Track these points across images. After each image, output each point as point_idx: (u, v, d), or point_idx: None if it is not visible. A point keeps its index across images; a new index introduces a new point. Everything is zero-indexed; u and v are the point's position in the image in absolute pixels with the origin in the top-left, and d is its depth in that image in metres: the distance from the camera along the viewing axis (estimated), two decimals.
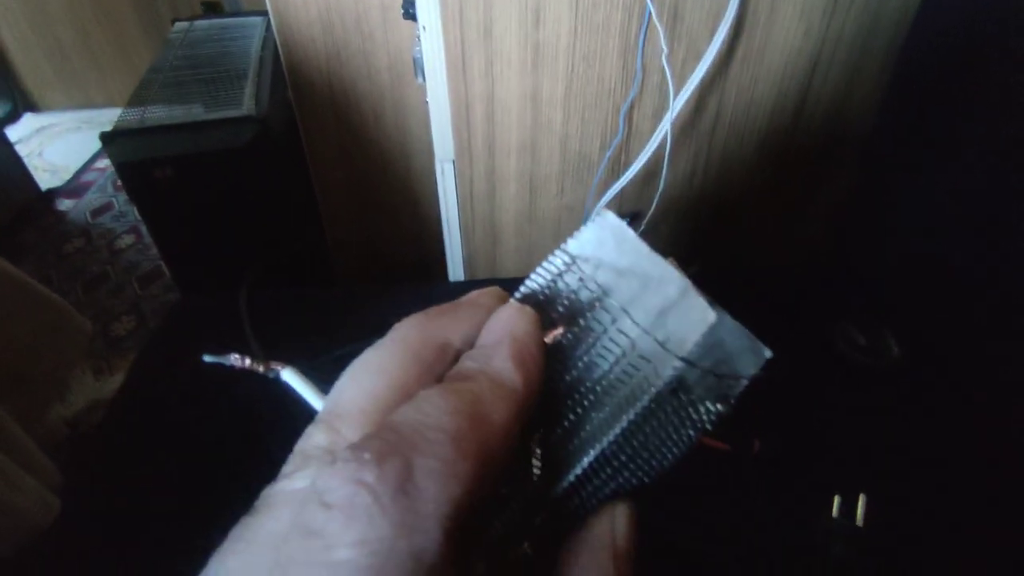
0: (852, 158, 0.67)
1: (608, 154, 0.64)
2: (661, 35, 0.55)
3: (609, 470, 0.17)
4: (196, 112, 1.02)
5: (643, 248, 0.18)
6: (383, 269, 1.11)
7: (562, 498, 0.17)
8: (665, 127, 0.57)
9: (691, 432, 0.18)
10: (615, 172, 0.66)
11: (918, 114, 0.63)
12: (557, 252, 0.19)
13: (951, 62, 0.59)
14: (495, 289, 0.20)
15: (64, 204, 1.92)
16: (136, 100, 1.06)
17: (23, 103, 2.35)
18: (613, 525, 0.17)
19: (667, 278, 0.18)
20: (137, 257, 1.70)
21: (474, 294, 0.20)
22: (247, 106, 1.01)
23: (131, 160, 0.93)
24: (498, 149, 0.64)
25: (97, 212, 1.88)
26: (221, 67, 1.16)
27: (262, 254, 1.00)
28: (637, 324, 0.18)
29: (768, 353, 0.18)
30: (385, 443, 0.13)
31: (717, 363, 0.18)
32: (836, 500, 0.49)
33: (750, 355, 0.18)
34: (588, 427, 0.17)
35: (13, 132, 2.16)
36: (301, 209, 1.05)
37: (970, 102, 0.57)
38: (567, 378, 0.18)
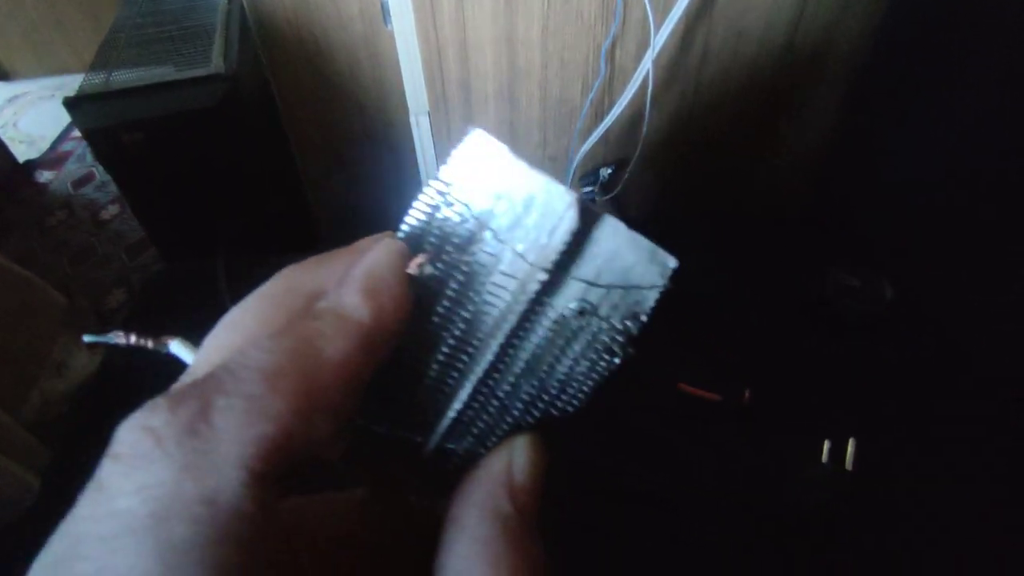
0: (844, 92, 0.64)
1: (590, 97, 0.61)
2: None
3: (496, 403, 0.16)
4: (164, 72, 0.98)
5: (521, 165, 0.16)
6: (365, 227, 1.08)
7: (448, 440, 0.17)
8: (647, 66, 0.54)
9: (604, 356, 0.16)
10: (599, 116, 0.63)
11: (912, 51, 0.60)
12: (431, 182, 0.17)
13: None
14: (387, 235, 0.18)
15: (44, 176, 1.87)
16: (100, 63, 1.01)
17: None
18: (511, 458, 0.16)
19: (548, 195, 0.16)
20: (123, 227, 1.67)
21: (362, 241, 0.18)
22: (215, 63, 0.96)
23: (98, 126, 0.89)
24: (474, 97, 0.60)
25: (79, 183, 1.84)
26: (187, 22, 1.10)
27: (242, 216, 0.98)
28: (502, 242, 0.16)
29: (673, 263, 0.17)
30: (189, 387, 0.12)
31: (617, 278, 0.17)
32: (826, 446, 0.49)
33: (654, 266, 0.17)
34: (464, 361, 0.16)
35: None
36: (279, 169, 1.01)
37: (964, 41, 0.54)
38: (440, 311, 0.17)
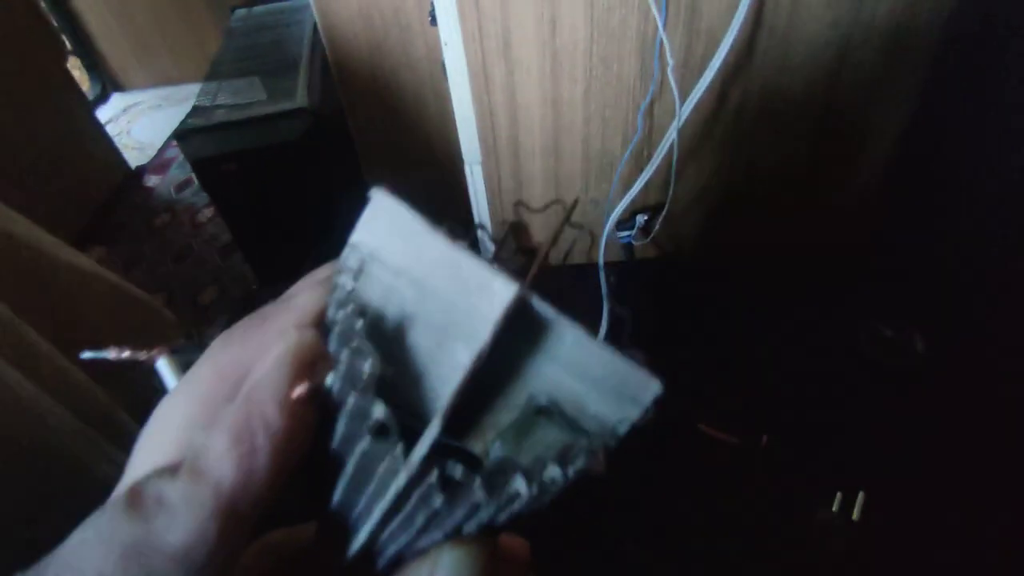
0: (888, 144, 0.65)
1: (628, 152, 0.65)
2: (667, 48, 0.56)
3: (420, 518, 0.15)
4: (257, 100, 1.10)
5: (429, 234, 0.14)
6: None
7: (372, 546, 0.16)
8: (672, 136, 0.58)
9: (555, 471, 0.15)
10: (639, 166, 0.67)
11: (961, 104, 0.60)
12: (347, 247, 0.15)
13: (995, 48, 0.56)
14: (330, 267, 0.17)
15: (151, 180, 2.09)
16: (204, 95, 1.15)
17: (110, 84, 2.54)
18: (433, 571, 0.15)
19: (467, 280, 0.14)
20: (216, 230, 1.85)
21: (299, 285, 0.18)
22: (300, 97, 1.07)
23: (202, 157, 1.02)
24: (522, 151, 0.66)
25: (180, 187, 2.04)
26: (276, 56, 1.22)
27: (321, 239, 1.08)
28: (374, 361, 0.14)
29: (657, 387, 0.15)
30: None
31: (574, 407, 0.15)
32: (838, 496, 0.52)
33: (630, 394, 0.15)
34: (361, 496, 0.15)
35: (103, 113, 2.35)
36: (356, 198, 1.11)
37: (1014, 97, 0.55)
38: (342, 431, 0.15)
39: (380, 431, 0.14)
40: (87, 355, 0.22)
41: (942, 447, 0.54)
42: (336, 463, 0.15)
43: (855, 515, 0.50)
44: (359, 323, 0.14)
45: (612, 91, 0.62)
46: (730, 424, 0.58)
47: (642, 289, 0.69)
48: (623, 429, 0.15)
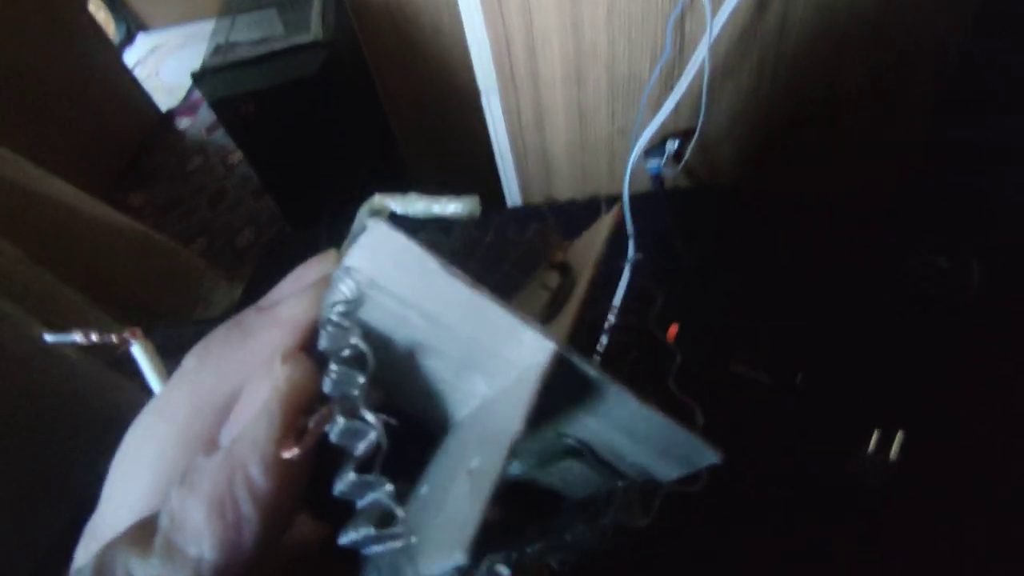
0: (945, 64, 0.58)
1: (656, 72, 0.60)
2: None
3: None
4: (272, 35, 1.07)
5: (444, 275, 0.12)
6: (456, 182, 1.13)
7: None
8: (703, 52, 0.53)
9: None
10: (669, 88, 0.62)
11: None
12: (341, 268, 0.14)
13: None
14: (320, 265, 0.15)
15: (183, 123, 2.10)
16: (219, 30, 1.12)
17: (135, 25, 2.51)
18: None
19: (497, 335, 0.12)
20: (247, 171, 1.86)
21: (284, 287, 0.16)
22: (315, 30, 1.03)
23: (221, 97, 1.00)
24: (542, 81, 0.62)
25: (210, 129, 2.05)
26: None
27: (346, 176, 1.07)
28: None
29: (713, 458, 0.14)
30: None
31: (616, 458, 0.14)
32: (875, 435, 0.50)
33: (682, 458, 0.14)
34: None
35: (130, 56, 2.34)
36: (376, 133, 1.08)
37: None
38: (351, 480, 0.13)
39: (384, 521, 0.12)
40: (50, 338, 0.20)
41: (991, 387, 0.51)
42: (341, 504, 0.14)
43: (892, 455, 0.48)
44: (355, 338, 0.13)
45: (638, 7, 0.56)
46: (765, 362, 0.56)
47: (672, 221, 0.66)
48: (667, 479, 0.15)
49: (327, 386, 0.13)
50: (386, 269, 0.13)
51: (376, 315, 0.13)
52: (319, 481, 0.14)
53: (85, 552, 0.14)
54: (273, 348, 0.14)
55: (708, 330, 0.59)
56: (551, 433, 0.15)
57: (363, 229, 0.14)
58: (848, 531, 0.46)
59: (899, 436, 0.49)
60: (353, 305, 0.13)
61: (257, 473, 0.12)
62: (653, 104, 0.63)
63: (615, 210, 0.16)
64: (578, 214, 0.71)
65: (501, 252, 0.17)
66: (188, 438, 0.14)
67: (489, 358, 0.13)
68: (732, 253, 0.63)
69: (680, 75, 0.60)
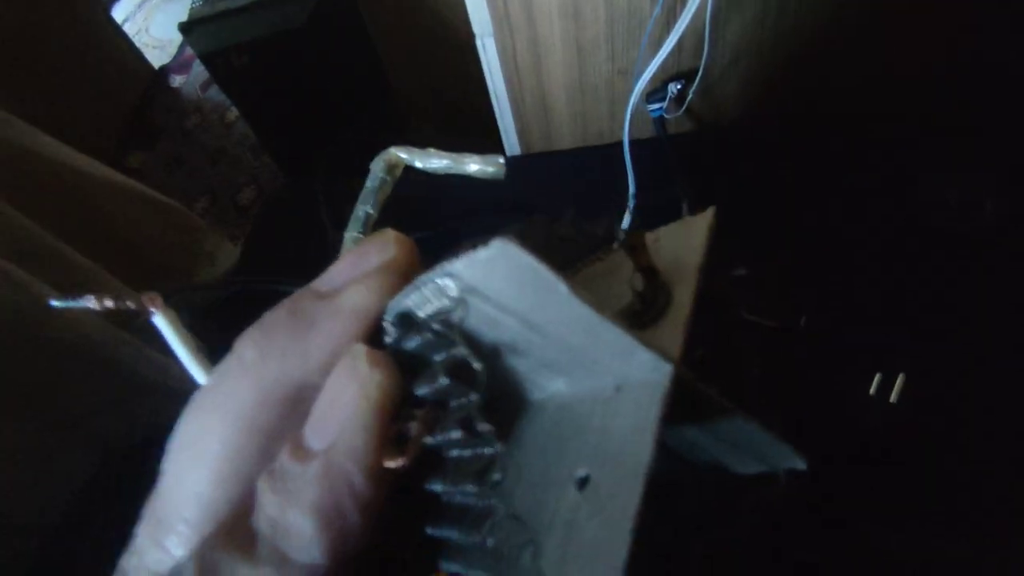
0: None
1: (658, 7, 0.57)
2: None
3: None
4: None
5: (565, 295, 0.11)
6: (454, 131, 1.11)
7: None
8: None
9: None
10: (671, 25, 0.59)
11: None
12: (439, 273, 0.13)
13: None
14: (380, 247, 0.14)
15: (176, 80, 2.06)
16: None
17: None
18: None
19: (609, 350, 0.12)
20: (245, 129, 1.83)
21: (341, 269, 0.15)
22: None
23: (211, 50, 0.98)
24: (538, 16, 0.59)
25: (205, 85, 2.00)
26: None
27: (343, 129, 1.05)
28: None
29: (800, 465, 0.14)
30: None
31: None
32: (876, 378, 0.49)
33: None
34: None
35: (118, 12, 2.27)
36: (373, 81, 1.06)
37: None
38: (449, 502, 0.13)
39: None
40: (57, 303, 0.19)
41: (1004, 328, 0.50)
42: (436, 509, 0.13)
43: (893, 398, 0.48)
44: (463, 349, 0.12)
45: None
46: (772, 305, 0.55)
47: (675, 166, 0.64)
48: (742, 472, 0.14)
49: (422, 390, 0.13)
50: (497, 282, 0.12)
51: (469, 317, 0.13)
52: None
53: (150, 538, 0.14)
54: (339, 340, 0.14)
55: (712, 274, 0.58)
56: None
57: (377, 184, 0.13)
58: (847, 475, 0.46)
59: (900, 379, 0.49)
60: (457, 315, 0.13)
61: (361, 483, 0.12)
62: (654, 43, 0.60)
63: (710, 211, 0.14)
64: (580, 164, 0.70)
65: (578, 246, 0.16)
66: (254, 431, 0.13)
67: (584, 365, 0.12)
68: (736, 196, 0.62)
69: (682, 10, 0.57)
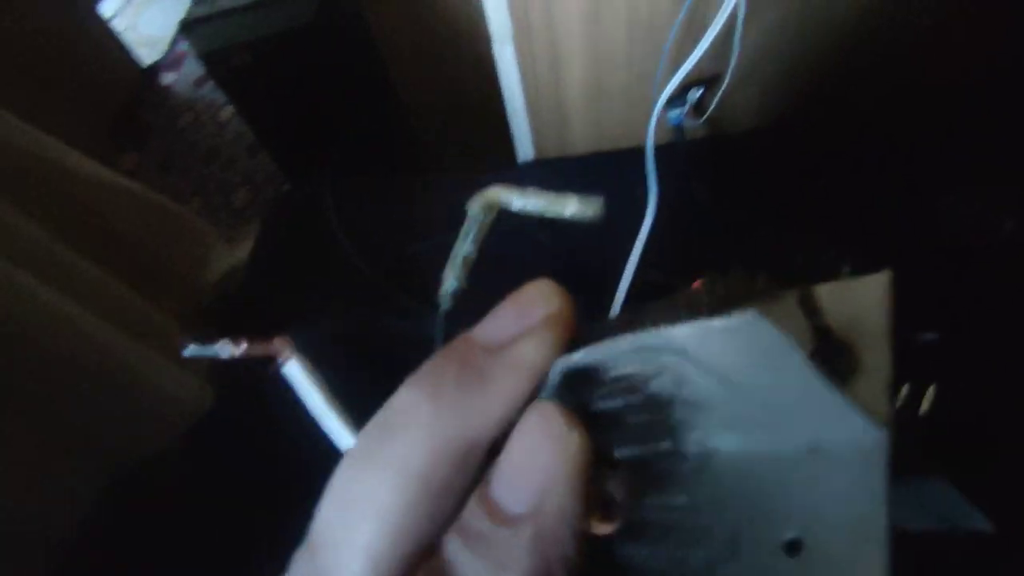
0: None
1: (683, 12, 0.57)
2: None
3: None
4: None
5: (818, 383, 0.11)
6: (470, 149, 1.09)
7: None
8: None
9: None
10: (692, 32, 0.59)
11: None
12: (652, 332, 0.12)
13: None
14: (544, 299, 0.14)
15: (168, 78, 2.02)
16: None
17: None
18: None
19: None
20: (240, 128, 1.80)
21: (506, 317, 0.14)
22: None
23: (211, 49, 0.95)
24: (559, 21, 0.59)
25: (198, 83, 1.97)
26: None
27: (347, 135, 1.03)
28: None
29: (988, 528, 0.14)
30: None
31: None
32: (905, 388, 0.49)
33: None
34: None
35: (106, 7, 2.23)
36: (378, 86, 1.04)
37: None
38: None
39: None
40: (189, 353, 0.19)
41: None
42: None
43: (923, 409, 0.48)
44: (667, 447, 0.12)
45: None
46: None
47: (695, 174, 0.63)
48: (914, 529, 0.14)
49: (623, 452, 0.13)
50: (722, 350, 0.11)
51: (661, 378, 0.12)
52: None
53: None
54: (515, 397, 0.13)
55: (732, 285, 0.58)
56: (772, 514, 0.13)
57: (476, 223, 0.15)
58: None
59: (931, 390, 0.48)
60: (660, 383, 0.12)
61: (572, 549, 0.12)
62: (677, 49, 0.60)
63: (887, 275, 0.14)
64: (596, 169, 0.69)
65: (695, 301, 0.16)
66: (429, 488, 0.13)
67: (772, 424, 0.12)
68: (758, 204, 0.61)
69: (708, 16, 0.56)
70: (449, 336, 0.15)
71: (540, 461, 0.12)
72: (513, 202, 0.17)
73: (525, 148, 0.74)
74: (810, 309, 0.14)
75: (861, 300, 0.14)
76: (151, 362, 0.55)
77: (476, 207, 0.14)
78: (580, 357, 0.13)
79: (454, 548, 0.12)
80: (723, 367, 0.12)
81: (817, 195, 0.59)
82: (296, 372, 0.18)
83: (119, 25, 2.12)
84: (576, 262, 0.61)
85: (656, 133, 0.65)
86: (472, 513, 0.13)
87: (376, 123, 1.06)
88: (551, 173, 0.71)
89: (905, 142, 0.60)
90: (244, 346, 0.17)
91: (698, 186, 0.62)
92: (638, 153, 0.61)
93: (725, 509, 0.12)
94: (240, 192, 1.66)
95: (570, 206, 0.14)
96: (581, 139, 0.71)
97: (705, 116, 0.63)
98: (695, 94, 0.62)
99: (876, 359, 0.13)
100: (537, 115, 0.68)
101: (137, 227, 0.70)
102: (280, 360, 0.17)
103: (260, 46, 0.93)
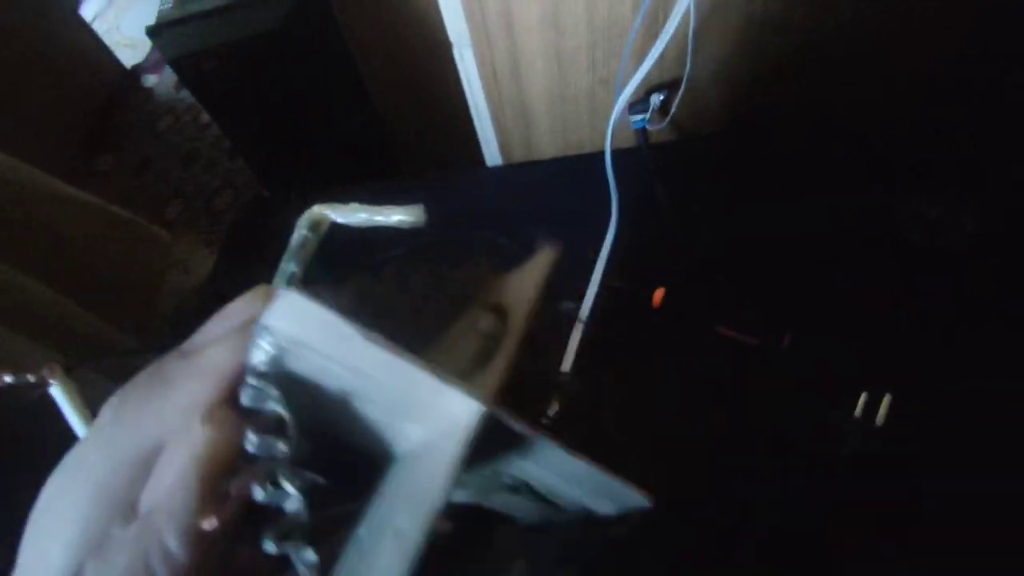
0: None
1: (640, 17, 0.56)
2: None
3: None
4: None
5: (361, 339, 0.12)
6: (441, 150, 1.08)
7: None
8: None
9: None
10: (653, 34, 0.58)
11: None
12: (258, 326, 0.13)
13: None
14: (246, 305, 0.15)
15: (149, 80, 2.00)
16: None
17: None
18: None
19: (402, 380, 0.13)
20: (221, 131, 1.79)
21: (211, 328, 0.15)
22: None
23: (180, 54, 0.94)
24: (517, 26, 0.58)
25: (179, 86, 1.95)
26: None
27: (320, 140, 1.02)
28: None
29: (644, 503, 0.15)
30: None
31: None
32: (862, 398, 0.49)
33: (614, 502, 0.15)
34: None
35: (87, 10, 2.21)
36: (350, 91, 1.03)
37: None
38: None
39: None
40: None
41: (987, 346, 0.49)
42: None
43: (879, 420, 0.47)
44: (273, 403, 0.13)
45: None
46: (751, 323, 0.54)
47: (657, 178, 0.63)
48: (603, 514, 0.15)
49: (250, 447, 0.13)
50: (306, 329, 0.13)
51: (303, 366, 0.13)
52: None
53: None
54: (194, 400, 0.13)
55: (694, 290, 0.57)
56: (490, 472, 0.15)
57: (301, 241, 0.16)
58: (832, 495, 0.46)
59: (886, 400, 0.48)
60: (271, 365, 0.13)
61: (174, 545, 0.12)
62: (637, 54, 0.59)
63: (553, 249, 0.15)
64: (561, 174, 0.68)
65: (435, 287, 0.18)
66: (105, 498, 0.13)
67: (418, 408, 0.13)
68: (718, 210, 0.61)
69: (665, 19, 0.56)
70: None
71: (174, 460, 0.12)
72: (338, 218, 0.18)
73: (492, 153, 0.73)
74: (482, 291, 0.16)
75: (530, 276, 0.16)
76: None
77: (303, 225, 0.15)
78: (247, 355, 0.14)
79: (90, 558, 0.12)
80: (327, 351, 0.13)
81: (777, 197, 0.59)
82: (59, 394, 0.17)
83: (101, 26, 2.10)
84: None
85: (621, 136, 0.64)
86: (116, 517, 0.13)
87: (352, 129, 1.05)
88: (517, 178, 0.71)
89: (866, 144, 0.60)
90: (8, 378, 0.17)
91: (662, 189, 0.61)
92: (599, 157, 0.60)
93: (385, 501, 0.13)
94: (221, 195, 1.64)
95: (394, 216, 0.15)
96: (547, 143, 0.71)
97: (668, 119, 0.63)
98: (657, 98, 0.61)
99: (512, 332, 0.14)
100: (501, 119, 0.68)
101: (95, 241, 0.69)
102: (46, 378, 0.17)
103: (229, 51, 0.92)
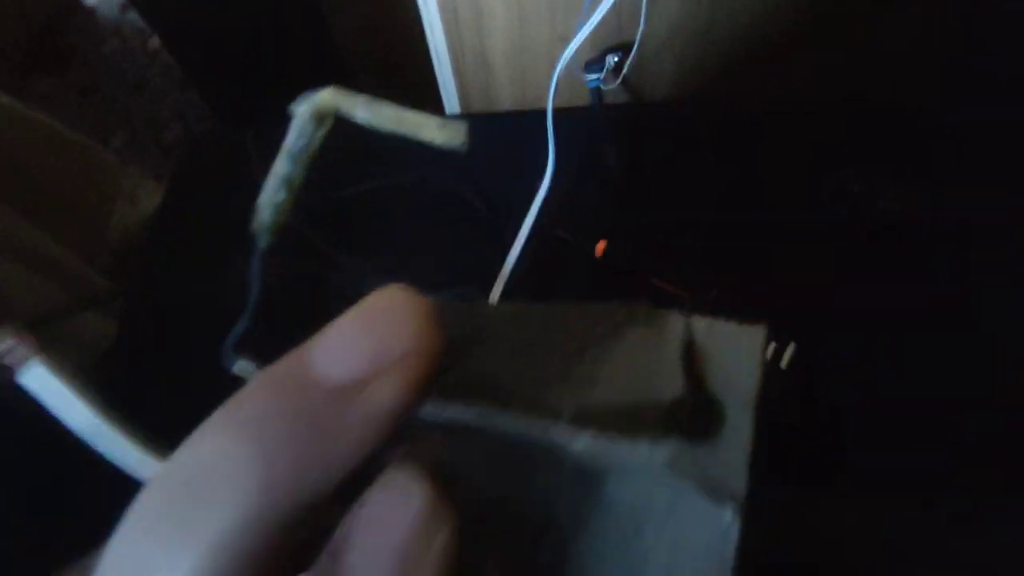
0: None
1: None
2: None
3: None
4: None
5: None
6: (393, 57, 1.05)
7: None
8: None
9: None
10: None
11: None
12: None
13: None
14: (401, 325, 0.11)
15: (90, 0, 1.87)
16: None
17: None
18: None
19: None
20: (172, 59, 1.70)
21: (357, 336, 0.11)
22: None
23: None
24: None
25: (124, 7, 1.84)
26: None
27: (281, 70, 1.00)
28: None
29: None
30: None
31: None
32: (771, 346, 0.54)
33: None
34: None
35: None
36: (311, 17, 1.00)
37: None
38: None
39: None
40: None
41: (895, 308, 0.54)
42: None
43: (783, 364, 0.53)
44: None
45: None
46: (685, 278, 0.59)
47: (607, 137, 0.66)
48: None
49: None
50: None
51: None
52: None
53: None
54: (368, 450, 0.11)
55: (635, 245, 0.61)
56: None
57: (300, 132, 0.11)
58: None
59: (791, 348, 0.54)
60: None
61: None
62: (594, 11, 0.61)
63: (762, 330, 0.13)
64: (516, 127, 0.70)
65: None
66: (248, 561, 0.10)
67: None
68: (663, 171, 0.64)
69: None
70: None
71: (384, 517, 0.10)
72: (357, 112, 0.14)
73: (451, 101, 0.74)
74: (688, 351, 0.14)
75: (734, 354, 0.14)
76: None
77: (304, 116, 0.11)
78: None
79: None
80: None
81: (718, 163, 0.63)
82: (33, 377, 0.13)
83: None
84: (482, 214, 0.63)
85: (579, 95, 0.66)
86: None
87: (312, 67, 1.02)
88: (472, 127, 0.72)
89: (806, 120, 0.64)
90: None
91: (609, 150, 0.64)
92: (560, 113, 0.62)
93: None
94: (171, 128, 1.58)
95: (430, 129, 0.11)
96: (506, 95, 0.72)
97: (619, 79, 0.65)
98: (612, 59, 0.63)
99: (739, 423, 0.13)
100: (461, 67, 0.69)
101: (41, 159, 0.67)
102: (15, 365, 0.12)
103: None
